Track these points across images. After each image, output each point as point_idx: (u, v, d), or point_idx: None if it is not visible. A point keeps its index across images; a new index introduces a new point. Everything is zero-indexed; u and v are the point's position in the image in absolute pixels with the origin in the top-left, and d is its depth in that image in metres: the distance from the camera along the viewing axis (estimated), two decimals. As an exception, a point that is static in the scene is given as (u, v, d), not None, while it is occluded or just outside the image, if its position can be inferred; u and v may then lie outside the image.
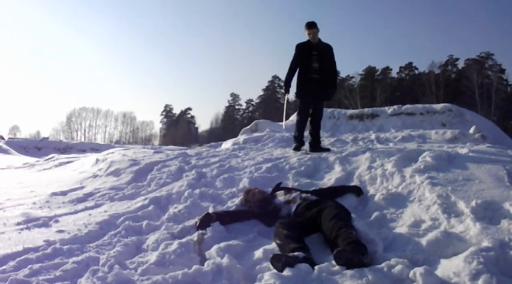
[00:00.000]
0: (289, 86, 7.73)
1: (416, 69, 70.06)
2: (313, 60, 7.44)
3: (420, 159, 5.10)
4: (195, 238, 3.66)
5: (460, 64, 64.72)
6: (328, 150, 7.53)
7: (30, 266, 3.08)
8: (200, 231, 3.80)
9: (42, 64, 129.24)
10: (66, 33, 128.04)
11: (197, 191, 5.28)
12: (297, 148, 7.79)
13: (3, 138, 39.15)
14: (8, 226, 4.36)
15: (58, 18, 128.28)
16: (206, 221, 3.94)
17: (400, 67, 72.29)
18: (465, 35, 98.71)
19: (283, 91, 8.56)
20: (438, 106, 18.45)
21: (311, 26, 7.47)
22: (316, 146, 7.73)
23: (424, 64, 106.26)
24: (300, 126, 7.88)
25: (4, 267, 3.10)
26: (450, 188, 4.00)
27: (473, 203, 3.52)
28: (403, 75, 71.73)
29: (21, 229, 4.26)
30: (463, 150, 5.85)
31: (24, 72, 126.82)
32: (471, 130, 13.18)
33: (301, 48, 7.57)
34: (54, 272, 3.03)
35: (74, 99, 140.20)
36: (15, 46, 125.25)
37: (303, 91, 7.58)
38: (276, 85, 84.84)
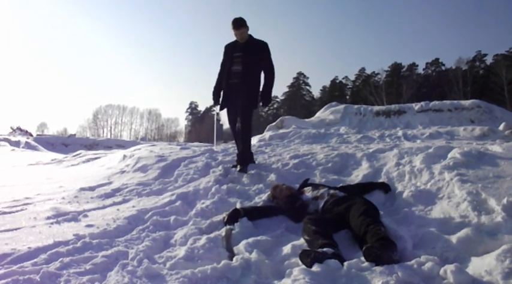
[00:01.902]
0: (218, 96, 6.65)
1: (443, 65, 69.40)
2: (234, 62, 6.39)
3: (449, 155, 5.02)
4: (223, 233, 3.68)
5: (489, 60, 63.72)
6: (245, 171, 6.11)
7: (61, 259, 3.12)
8: (228, 226, 3.82)
9: (69, 62, 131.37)
10: (94, 32, 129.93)
11: (224, 187, 5.30)
12: (241, 170, 6.16)
13: (31, 135, 39.94)
14: (38, 220, 4.44)
15: (87, 17, 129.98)
16: (234, 216, 3.96)
17: (427, 63, 71.74)
18: (494, 29, 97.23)
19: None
20: (466, 103, 18.15)
21: (237, 26, 6.29)
22: (241, 165, 6.27)
23: (451, 60, 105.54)
24: (236, 142, 6.79)
25: (36, 260, 3.15)
26: (480, 185, 3.93)
27: (504, 201, 3.44)
28: (430, 71, 70.99)
29: (51, 223, 4.34)
30: (493, 147, 5.75)
31: (52, 70, 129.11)
32: (501, 127, 12.94)
33: (225, 50, 6.63)
34: (85, 265, 3.06)
35: (100, 96, 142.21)
36: (44, 45, 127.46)
37: (223, 100, 6.56)
38: (301, 82, 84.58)
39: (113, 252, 3.34)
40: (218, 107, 6.73)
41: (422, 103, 18.84)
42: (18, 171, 11.37)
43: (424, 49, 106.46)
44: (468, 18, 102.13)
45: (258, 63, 6.40)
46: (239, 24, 6.26)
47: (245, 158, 6.36)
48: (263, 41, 6.46)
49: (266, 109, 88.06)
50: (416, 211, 3.95)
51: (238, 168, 6.15)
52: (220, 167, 6.42)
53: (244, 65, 6.29)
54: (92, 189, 6.32)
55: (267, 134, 15.09)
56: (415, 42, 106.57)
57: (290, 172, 5.85)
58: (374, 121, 18.20)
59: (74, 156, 13.94)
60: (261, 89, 6.46)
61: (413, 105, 19.17)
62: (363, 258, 2.80)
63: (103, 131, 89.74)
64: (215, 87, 6.65)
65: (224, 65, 6.56)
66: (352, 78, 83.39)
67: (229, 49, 6.51)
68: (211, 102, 6.84)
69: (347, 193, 4.14)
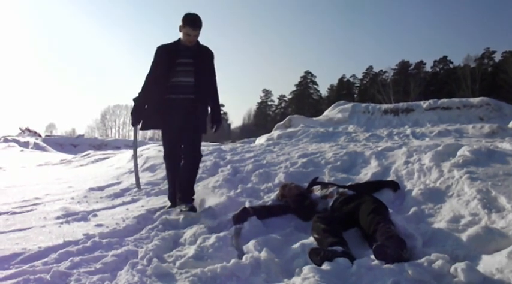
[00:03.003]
0: (141, 112, 4.89)
1: (451, 62, 69.17)
2: (178, 71, 4.79)
3: (458, 153, 4.99)
4: (233, 232, 3.69)
5: (497, 57, 63.31)
6: (194, 210, 4.51)
7: (71, 258, 3.13)
8: (237, 226, 3.83)
9: (78, 63, 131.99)
10: (102, 33, 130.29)
11: (233, 186, 5.31)
12: (190, 209, 4.50)
13: (40, 136, 40.18)
14: (48, 220, 4.48)
15: (95, 17, 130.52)
16: (243, 215, 3.96)
17: (435, 61, 71.59)
18: (502, 26, 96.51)
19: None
20: (475, 100, 18.10)
21: (197, 25, 4.73)
22: (185, 201, 4.60)
23: (459, 57, 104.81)
24: (169, 175, 5.12)
25: (46, 259, 3.16)
26: (490, 183, 3.91)
27: (515, 198, 3.44)
28: (438, 69, 70.75)
29: (61, 223, 4.37)
30: (503, 144, 5.72)
31: (60, 71, 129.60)
32: (510, 124, 12.90)
33: (161, 53, 4.89)
34: (95, 264, 3.07)
35: (108, 96, 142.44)
36: (52, 46, 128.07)
37: (149, 118, 4.91)
38: (309, 80, 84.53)
39: (123, 251, 3.34)
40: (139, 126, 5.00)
41: (431, 101, 18.81)
42: (28, 171, 11.46)
43: (432, 47, 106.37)
44: (476, 15, 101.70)
45: (210, 75, 5.05)
46: (199, 22, 4.74)
47: (189, 192, 4.78)
48: (209, 48, 5.05)
49: (274, 108, 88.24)
50: (425, 209, 3.94)
51: (182, 208, 4.49)
52: (228, 166, 6.44)
53: (198, 76, 4.84)
54: (101, 188, 6.37)
55: (275, 133, 15.13)
56: (422, 40, 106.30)
57: (299, 171, 5.84)
58: (382, 120, 18.18)
59: (82, 156, 14.05)
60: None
61: (422, 103, 19.14)
62: (372, 256, 2.79)
63: (111, 131, 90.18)
64: (140, 101, 4.87)
65: (159, 73, 4.82)
66: (360, 76, 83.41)
67: (169, 53, 4.84)
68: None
69: (356, 192, 4.12)
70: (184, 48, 4.82)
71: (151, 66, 4.88)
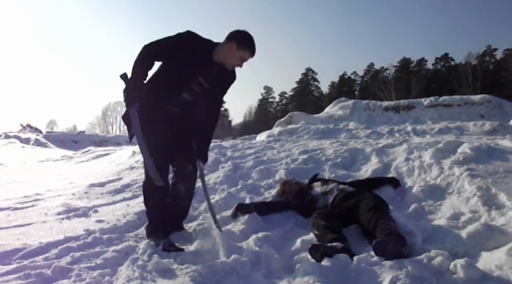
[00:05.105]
0: (140, 90, 3.52)
1: (453, 60, 69.06)
2: (191, 88, 3.65)
3: (459, 150, 5.00)
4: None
5: (499, 54, 63.17)
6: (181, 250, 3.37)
7: (71, 254, 3.15)
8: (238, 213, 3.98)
9: (79, 59, 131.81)
10: (104, 29, 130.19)
11: (234, 182, 5.32)
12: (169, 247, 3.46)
13: (41, 132, 40.20)
14: (49, 216, 4.50)
15: (96, 13, 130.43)
16: (243, 209, 3.99)
17: (436, 58, 71.46)
18: (504, 24, 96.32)
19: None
20: (476, 98, 18.09)
21: (255, 52, 3.68)
22: (161, 238, 3.54)
23: (460, 55, 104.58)
24: (151, 200, 3.77)
25: (47, 254, 3.18)
26: (490, 180, 3.92)
27: (515, 195, 3.44)
28: (439, 66, 70.70)
29: (62, 219, 4.39)
30: (503, 142, 5.72)
31: (61, 67, 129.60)
32: (511, 122, 12.87)
33: (194, 49, 3.57)
34: (95, 260, 3.09)
35: (109, 93, 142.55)
36: (54, 42, 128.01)
37: (150, 116, 3.61)
38: (310, 77, 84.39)
39: (123, 247, 3.36)
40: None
41: (432, 98, 18.81)
42: (29, 167, 11.47)
43: (434, 44, 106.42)
44: (478, 13, 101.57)
45: (218, 106, 4.05)
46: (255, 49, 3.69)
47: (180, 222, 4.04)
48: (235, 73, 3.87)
49: (275, 105, 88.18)
50: (426, 206, 3.95)
51: (164, 243, 3.46)
52: (229, 163, 6.44)
53: (206, 105, 3.83)
54: (101, 185, 6.37)
55: (276, 130, 15.11)
56: (424, 37, 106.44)
57: (299, 168, 5.85)
58: (383, 117, 18.19)
59: (83, 152, 14.06)
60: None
61: (423, 100, 19.15)
62: (372, 253, 2.79)
63: (112, 128, 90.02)
64: (139, 78, 3.52)
65: (179, 69, 3.60)
66: (361, 73, 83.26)
67: (201, 57, 3.62)
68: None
69: (356, 188, 4.13)
70: (214, 64, 3.66)
71: (170, 44, 3.59)
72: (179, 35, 3.57)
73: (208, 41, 3.68)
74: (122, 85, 3.50)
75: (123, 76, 3.53)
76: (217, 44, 3.67)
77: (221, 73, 3.69)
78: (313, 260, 2.83)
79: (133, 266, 2.91)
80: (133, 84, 3.47)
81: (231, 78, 3.84)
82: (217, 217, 4.14)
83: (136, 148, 9.06)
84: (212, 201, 4.72)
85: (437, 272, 2.52)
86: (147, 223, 3.75)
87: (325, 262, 2.70)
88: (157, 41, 3.58)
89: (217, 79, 3.71)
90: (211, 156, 7.06)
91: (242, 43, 3.58)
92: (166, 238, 3.52)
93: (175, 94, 3.67)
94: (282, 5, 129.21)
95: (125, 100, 3.54)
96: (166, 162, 3.73)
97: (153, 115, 3.61)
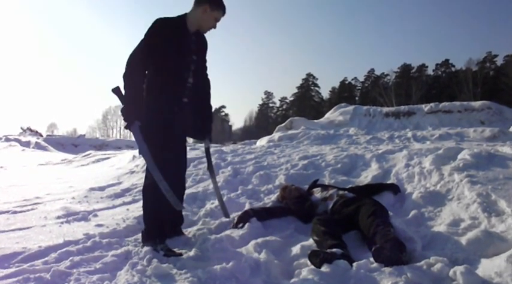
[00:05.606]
0: (139, 107, 3.41)
1: (453, 66, 69.28)
2: (189, 69, 3.64)
3: (459, 157, 5.00)
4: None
5: (499, 61, 63.35)
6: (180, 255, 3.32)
7: (71, 258, 3.14)
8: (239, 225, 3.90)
9: (79, 63, 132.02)
10: (105, 33, 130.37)
11: (234, 187, 5.32)
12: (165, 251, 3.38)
13: (41, 136, 40.23)
14: (48, 220, 4.50)
15: (97, 17, 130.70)
16: (244, 218, 3.97)
17: (437, 64, 71.70)
18: (504, 30, 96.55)
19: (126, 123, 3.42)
20: (476, 104, 18.13)
21: (225, 9, 3.72)
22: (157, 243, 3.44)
23: (461, 61, 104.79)
24: (151, 205, 3.68)
25: (46, 258, 3.18)
26: (490, 187, 3.91)
27: (515, 202, 3.43)
28: (440, 72, 70.86)
29: (62, 223, 4.39)
30: (504, 148, 5.72)
31: (62, 71, 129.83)
32: (511, 128, 12.88)
33: (173, 35, 3.53)
34: (95, 264, 3.08)
35: (110, 97, 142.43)
36: (55, 45, 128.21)
37: (165, 127, 3.52)
38: (310, 83, 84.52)
39: (123, 251, 3.35)
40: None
41: (432, 104, 18.85)
42: (29, 171, 11.47)
43: (434, 50, 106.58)
44: (478, 19, 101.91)
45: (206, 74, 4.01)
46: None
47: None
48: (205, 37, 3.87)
49: (275, 110, 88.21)
50: (425, 212, 3.94)
51: (162, 248, 3.39)
52: (229, 167, 6.44)
53: (195, 74, 3.74)
54: (101, 189, 6.37)
55: (276, 135, 15.13)
56: (424, 43, 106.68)
57: (299, 173, 5.85)
58: (383, 123, 18.21)
59: (83, 156, 14.06)
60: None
61: (423, 106, 19.20)
62: (372, 259, 2.79)
63: (112, 132, 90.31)
64: (135, 92, 3.43)
65: (174, 64, 3.55)
66: (362, 79, 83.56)
67: (182, 38, 3.59)
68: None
69: (356, 194, 4.13)
70: (189, 34, 3.64)
71: (145, 45, 3.50)
72: (150, 27, 3.51)
73: (178, 17, 3.66)
74: (116, 99, 3.36)
75: (116, 91, 3.42)
76: (186, 14, 3.68)
77: (200, 40, 3.75)
78: (312, 266, 2.82)
79: (133, 271, 2.90)
80: (130, 102, 3.37)
81: (206, 42, 3.85)
82: (217, 221, 4.16)
83: (136, 152, 9.09)
84: (212, 206, 4.73)
85: (436, 279, 2.51)
86: (143, 228, 3.69)
87: (324, 268, 2.69)
88: (138, 46, 3.52)
89: (199, 47, 3.75)
90: (212, 161, 7.07)
91: (215, 3, 3.63)
92: (163, 244, 3.45)
93: (182, 83, 3.61)
94: (283, 10, 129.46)
95: (125, 120, 3.40)
96: (170, 157, 3.65)
97: (157, 131, 3.49)
